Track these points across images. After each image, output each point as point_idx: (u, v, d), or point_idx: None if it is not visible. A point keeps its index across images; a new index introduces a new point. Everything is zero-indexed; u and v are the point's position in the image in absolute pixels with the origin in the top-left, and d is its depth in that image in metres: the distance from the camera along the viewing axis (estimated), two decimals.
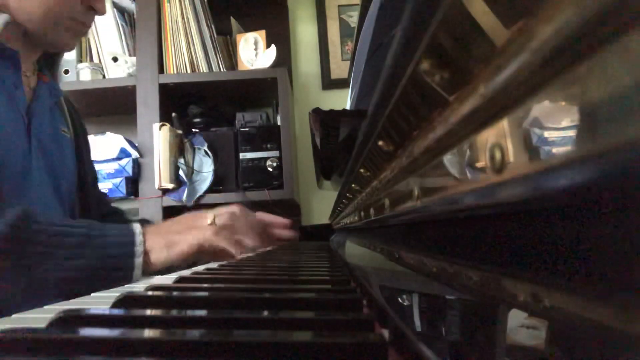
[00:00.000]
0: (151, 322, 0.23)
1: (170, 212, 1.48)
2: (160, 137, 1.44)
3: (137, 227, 0.65)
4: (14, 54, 0.71)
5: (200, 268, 0.53)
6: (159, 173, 1.45)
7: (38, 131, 0.74)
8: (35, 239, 0.56)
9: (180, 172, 1.49)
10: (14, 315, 0.26)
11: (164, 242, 0.66)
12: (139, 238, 0.63)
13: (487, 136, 0.14)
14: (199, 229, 0.69)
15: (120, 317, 0.23)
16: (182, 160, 1.50)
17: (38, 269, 0.55)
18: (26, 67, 0.76)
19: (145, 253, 0.63)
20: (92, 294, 0.35)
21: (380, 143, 0.29)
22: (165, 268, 0.69)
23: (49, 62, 0.84)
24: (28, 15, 0.69)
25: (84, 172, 0.86)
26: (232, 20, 1.67)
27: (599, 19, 0.08)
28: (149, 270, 0.65)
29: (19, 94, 0.72)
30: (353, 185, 0.52)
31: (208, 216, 0.71)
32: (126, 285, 0.40)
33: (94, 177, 0.95)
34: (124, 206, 1.47)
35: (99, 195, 0.96)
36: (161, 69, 1.56)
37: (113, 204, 1.05)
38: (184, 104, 1.63)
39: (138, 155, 1.53)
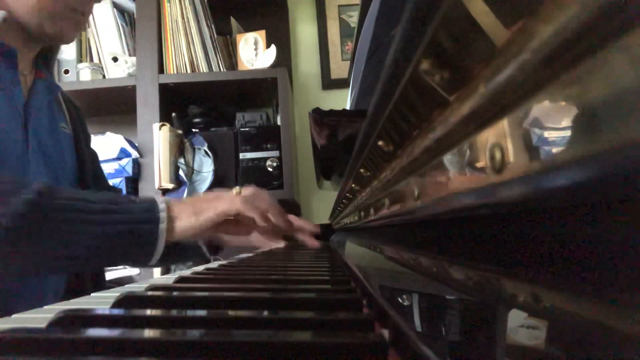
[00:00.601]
0: (151, 322, 0.23)
1: None
2: (160, 137, 1.44)
3: (159, 197, 0.66)
4: (11, 51, 0.71)
5: (200, 268, 0.53)
6: (159, 173, 1.45)
7: (36, 128, 0.74)
8: (61, 204, 0.57)
9: (180, 172, 1.49)
10: (14, 315, 0.26)
11: (190, 209, 0.67)
12: (162, 205, 0.64)
13: (487, 136, 0.14)
14: (226, 198, 0.70)
15: (120, 317, 0.23)
16: (182, 160, 1.50)
17: (63, 234, 0.56)
18: (24, 65, 0.76)
19: (171, 219, 0.64)
20: (92, 294, 0.35)
21: (380, 143, 0.29)
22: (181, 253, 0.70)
23: (45, 59, 0.84)
24: (24, 9, 0.69)
25: (83, 168, 0.86)
26: (232, 20, 1.67)
27: (598, 18, 0.08)
28: (175, 238, 0.65)
29: (16, 92, 0.72)
30: (353, 185, 0.52)
31: (234, 190, 0.74)
32: (126, 286, 0.40)
33: (97, 173, 0.94)
34: None
35: (108, 188, 0.96)
36: (161, 69, 1.56)
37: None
38: (184, 104, 1.63)
39: (138, 155, 1.53)
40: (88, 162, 0.88)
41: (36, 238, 0.54)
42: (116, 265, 0.77)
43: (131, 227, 0.60)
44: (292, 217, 0.90)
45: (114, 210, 0.60)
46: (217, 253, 0.88)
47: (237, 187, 0.75)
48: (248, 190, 0.75)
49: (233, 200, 0.70)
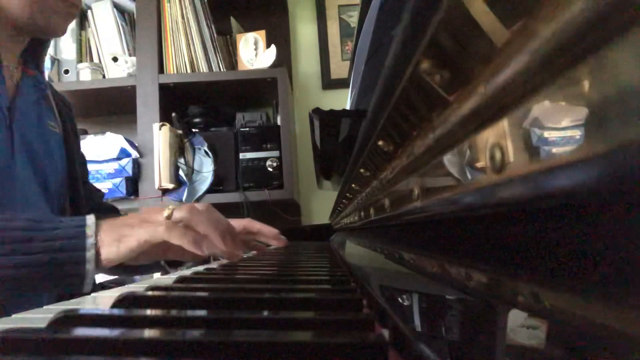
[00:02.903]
0: (151, 322, 0.23)
1: None
2: (160, 137, 1.44)
3: (90, 218, 0.61)
4: None
5: (200, 268, 0.53)
6: (159, 173, 1.45)
7: (22, 127, 0.72)
8: None
9: (180, 172, 1.49)
10: (14, 315, 0.26)
11: (115, 235, 0.61)
12: (90, 229, 0.59)
13: (487, 136, 0.14)
14: (151, 223, 0.63)
15: (120, 317, 0.23)
16: (182, 160, 1.50)
17: None
18: (9, 59, 0.74)
19: (97, 247, 0.59)
20: (92, 294, 0.35)
21: (380, 143, 0.29)
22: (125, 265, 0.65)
23: (34, 55, 0.82)
24: (16, 2, 0.68)
25: (73, 167, 0.83)
26: (232, 20, 1.67)
27: (598, 19, 0.08)
28: (103, 266, 0.60)
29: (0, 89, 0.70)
30: (353, 185, 0.52)
31: (165, 210, 0.65)
32: (127, 285, 0.40)
33: (84, 172, 0.92)
34: (124, 206, 1.47)
35: (90, 190, 0.93)
36: (161, 69, 1.56)
37: (111, 203, 1.02)
38: (184, 104, 1.63)
39: (138, 155, 1.53)
40: (78, 163, 0.85)
41: None
42: (47, 291, 0.70)
43: (55, 256, 0.55)
44: (248, 223, 0.83)
45: (34, 238, 0.55)
46: (177, 268, 0.82)
47: (171, 208, 0.65)
48: (181, 211, 0.65)
49: (157, 227, 0.61)
